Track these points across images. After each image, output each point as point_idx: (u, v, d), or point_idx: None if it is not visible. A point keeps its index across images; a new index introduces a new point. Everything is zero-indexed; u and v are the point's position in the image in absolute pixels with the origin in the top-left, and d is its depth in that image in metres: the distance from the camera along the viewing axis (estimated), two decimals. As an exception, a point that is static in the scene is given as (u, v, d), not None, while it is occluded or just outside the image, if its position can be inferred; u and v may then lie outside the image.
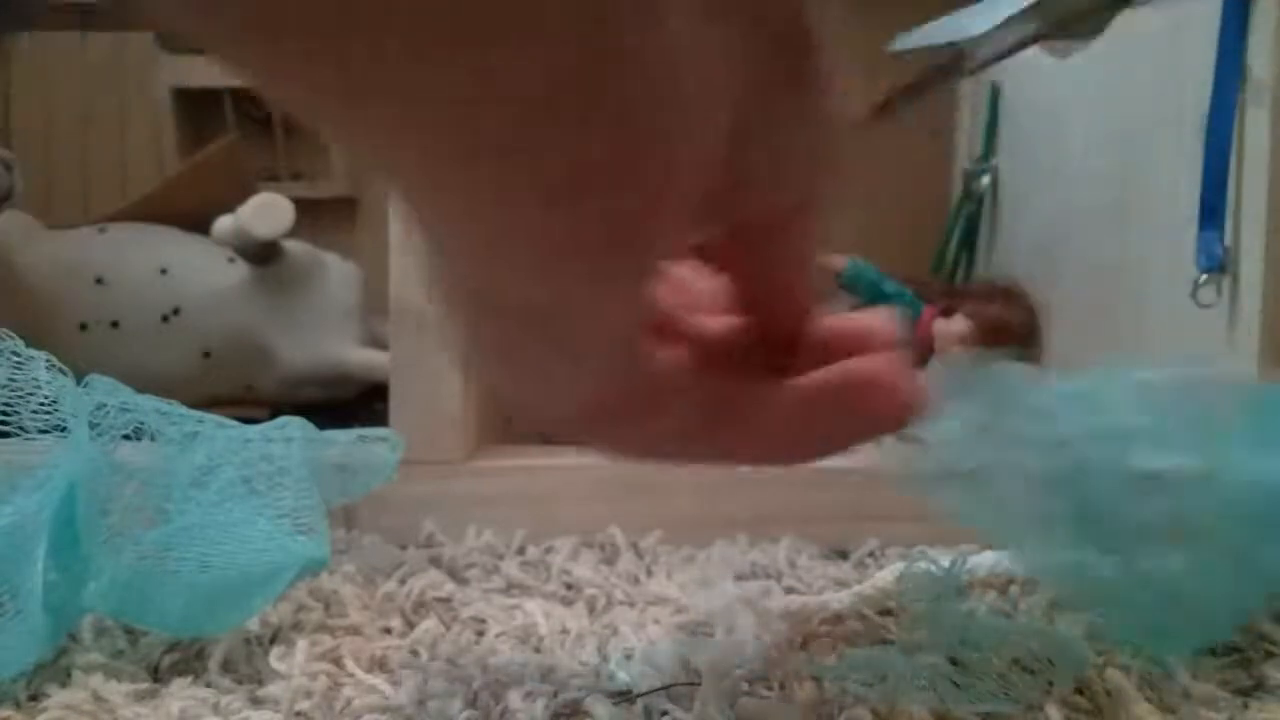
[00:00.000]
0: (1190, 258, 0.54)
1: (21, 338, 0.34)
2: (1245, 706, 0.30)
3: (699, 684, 0.30)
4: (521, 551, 0.45)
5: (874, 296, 0.94)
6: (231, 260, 0.76)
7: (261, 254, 0.75)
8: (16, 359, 0.33)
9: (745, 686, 0.31)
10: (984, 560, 0.38)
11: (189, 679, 0.32)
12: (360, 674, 0.32)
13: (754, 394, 0.24)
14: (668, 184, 0.16)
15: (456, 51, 0.13)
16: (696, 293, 0.25)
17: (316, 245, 0.80)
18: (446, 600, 0.39)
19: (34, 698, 0.31)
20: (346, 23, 0.13)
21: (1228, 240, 0.53)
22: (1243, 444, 0.31)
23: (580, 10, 0.13)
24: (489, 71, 0.13)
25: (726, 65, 0.16)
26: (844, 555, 0.46)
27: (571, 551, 0.44)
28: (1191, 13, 0.58)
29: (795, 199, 0.21)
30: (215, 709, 0.30)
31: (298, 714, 0.30)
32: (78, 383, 0.33)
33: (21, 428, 0.33)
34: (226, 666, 0.33)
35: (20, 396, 0.33)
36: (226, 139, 0.87)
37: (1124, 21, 0.70)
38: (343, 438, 0.39)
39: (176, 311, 0.74)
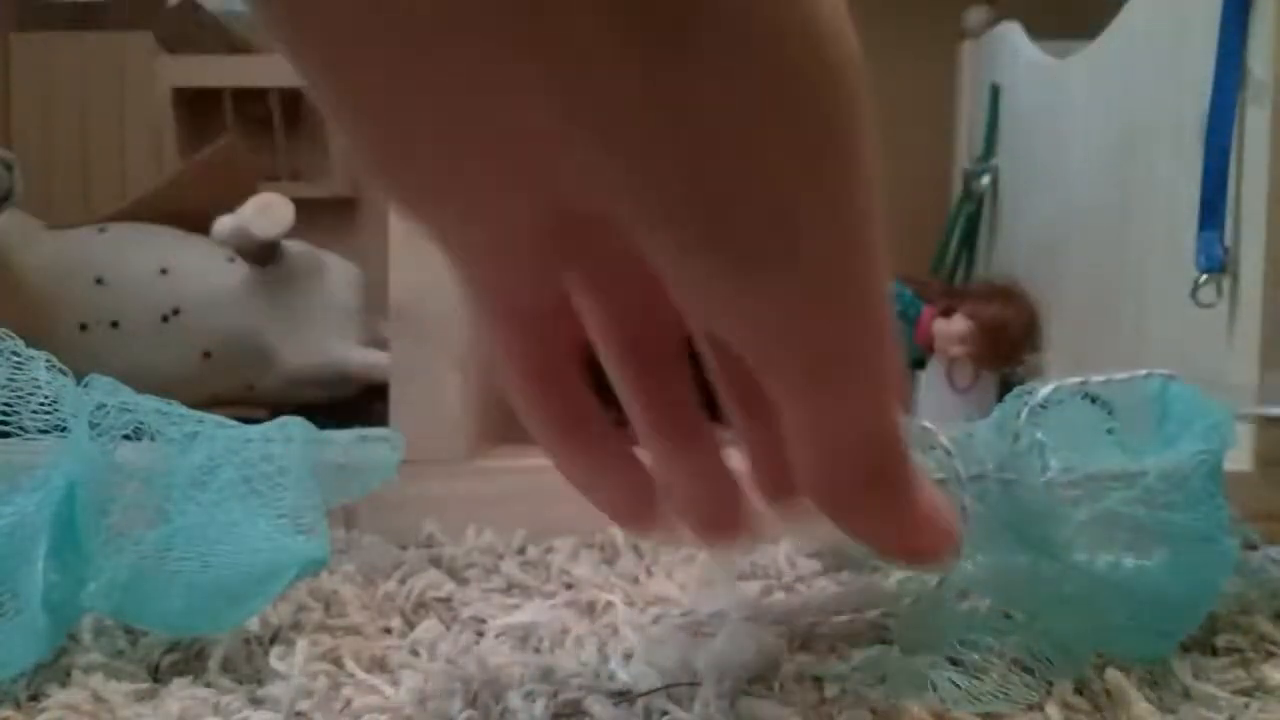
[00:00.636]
0: (1190, 258, 0.54)
1: (21, 338, 0.33)
2: (1245, 706, 0.30)
3: (699, 684, 0.30)
4: (521, 551, 0.45)
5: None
6: (231, 260, 0.76)
7: (261, 254, 0.75)
8: (16, 359, 0.33)
9: (745, 686, 0.31)
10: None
11: (189, 679, 0.32)
12: (360, 674, 0.32)
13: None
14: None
15: None
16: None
17: (316, 245, 0.80)
18: (446, 600, 0.39)
19: (34, 698, 0.31)
20: None
21: (1228, 240, 0.53)
22: (1153, 440, 0.32)
23: None
24: None
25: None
26: (844, 555, 0.46)
27: (571, 551, 0.44)
28: (1191, 13, 0.58)
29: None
30: (215, 709, 0.30)
31: (298, 714, 0.30)
32: (78, 383, 0.33)
33: (21, 428, 0.33)
34: (226, 666, 0.33)
35: (20, 396, 0.33)
36: (226, 139, 0.87)
37: (1124, 22, 0.70)
38: (343, 438, 0.39)
39: (176, 311, 0.74)
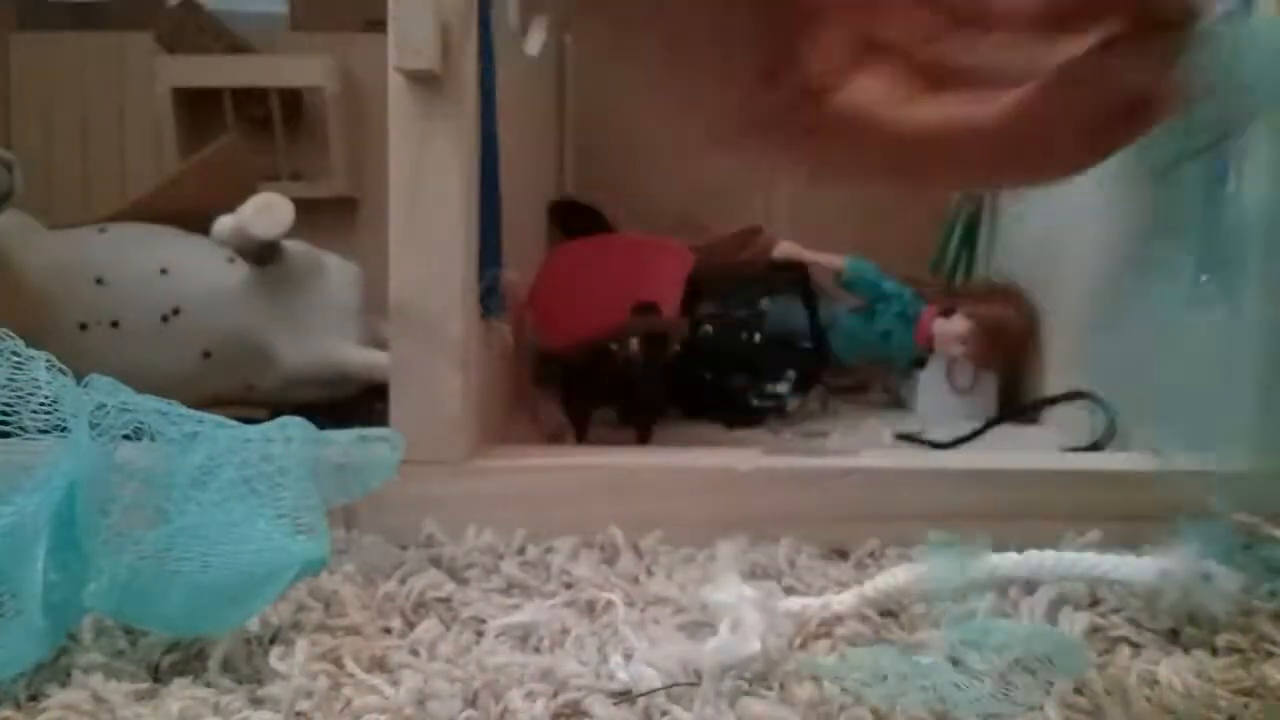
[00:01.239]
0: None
1: (21, 338, 0.34)
2: (1245, 706, 0.30)
3: (699, 684, 0.30)
4: (521, 551, 0.45)
5: (874, 296, 0.95)
6: (231, 260, 0.76)
7: (261, 254, 0.75)
8: (16, 359, 0.33)
9: (745, 686, 0.31)
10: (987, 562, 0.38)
11: (189, 679, 0.32)
12: (360, 674, 0.32)
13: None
14: None
15: None
16: None
17: (316, 245, 0.80)
18: (446, 600, 0.39)
19: (34, 698, 0.31)
20: None
21: (1228, 240, 0.53)
22: None
23: None
24: None
25: None
26: (844, 555, 0.46)
27: (571, 551, 0.44)
28: (1191, 13, 0.58)
29: None
30: (215, 709, 0.30)
31: (298, 714, 0.30)
32: (78, 383, 0.33)
33: (21, 428, 0.33)
34: (226, 666, 0.33)
35: (20, 396, 0.33)
36: (226, 139, 0.87)
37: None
38: (343, 438, 0.39)
39: (176, 311, 0.74)
